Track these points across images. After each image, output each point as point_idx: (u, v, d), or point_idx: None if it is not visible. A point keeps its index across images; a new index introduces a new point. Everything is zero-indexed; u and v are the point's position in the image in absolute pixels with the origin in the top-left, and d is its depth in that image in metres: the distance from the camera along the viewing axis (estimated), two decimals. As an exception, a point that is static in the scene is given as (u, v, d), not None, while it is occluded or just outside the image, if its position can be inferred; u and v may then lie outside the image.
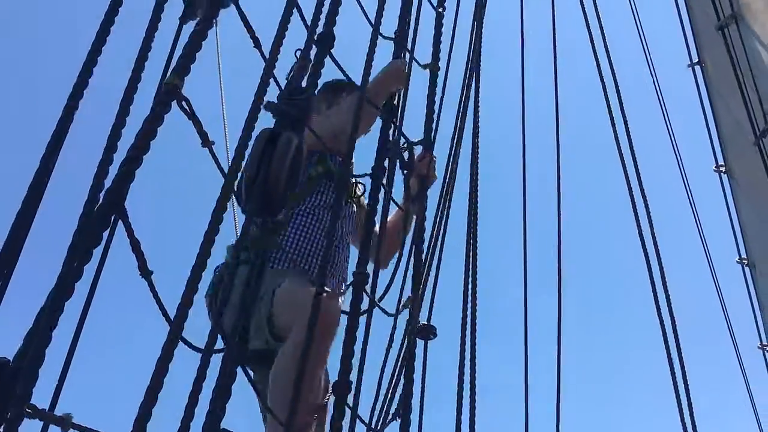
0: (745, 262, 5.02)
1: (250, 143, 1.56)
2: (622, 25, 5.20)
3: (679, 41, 4.93)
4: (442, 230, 2.54)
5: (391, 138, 2.72)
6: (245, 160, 1.55)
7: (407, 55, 2.96)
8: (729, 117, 4.88)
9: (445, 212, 2.78)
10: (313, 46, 2.20)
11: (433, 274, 2.59)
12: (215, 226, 1.33)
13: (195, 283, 1.26)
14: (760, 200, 4.83)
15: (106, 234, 1.32)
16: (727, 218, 4.90)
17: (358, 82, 2.26)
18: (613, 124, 3.99)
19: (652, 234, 3.87)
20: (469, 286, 2.48)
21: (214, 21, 1.92)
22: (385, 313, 2.49)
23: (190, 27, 2.32)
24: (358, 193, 2.98)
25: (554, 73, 4.21)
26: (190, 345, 1.38)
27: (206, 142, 1.74)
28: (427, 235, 2.59)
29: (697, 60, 4.87)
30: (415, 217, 2.61)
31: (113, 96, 1.87)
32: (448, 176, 2.91)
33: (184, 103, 1.67)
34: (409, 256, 2.49)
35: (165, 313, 1.35)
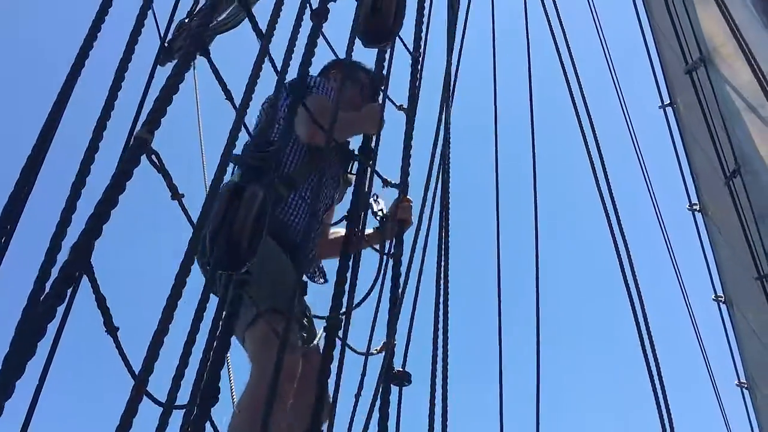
0: (722, 299, 5.07)
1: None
2: (595, 67, 5.32)
3: (653, 82, 5.04)
4: (418, 273, 2.56)
5: (367, 181, 2.78)
6: (211, 213, 1.56)
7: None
8: (702, 156, 4.97)
9: (422, 255, 2.80)
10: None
11: (408, 317, 2.60)
12: (181, 285, 1.34)
13: (157, 348, 1.26)
14: (734, 238, 4.89)
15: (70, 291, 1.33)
16: (701, 256, 4.96)
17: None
18: (593, 166, 4.03)
19: (633, 274, 3.89)
20: (440, 331, 2.50)
21: (191, 66, 1.96)
22: (355, 352, 2.51)
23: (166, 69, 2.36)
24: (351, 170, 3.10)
25: (530, 116, 4.27)
26: (153, 399, 1.38)
27: (176, 194, 1.76)
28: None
29: (668, 101, 4.97)
30: (391, 261, 2.65)
31: (82, 139, 1.86)
32: (424, 219, 2.93)
33: (153, 156, 1.70)
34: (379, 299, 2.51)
35: (131, 370, 1.36)
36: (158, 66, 2.43)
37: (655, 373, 3.51)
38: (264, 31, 2.17)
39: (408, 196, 2.87)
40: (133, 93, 2.05)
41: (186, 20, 4.85)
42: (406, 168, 2.90)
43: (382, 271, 2.48)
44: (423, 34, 3.04)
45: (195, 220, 1.72)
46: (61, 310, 1.31)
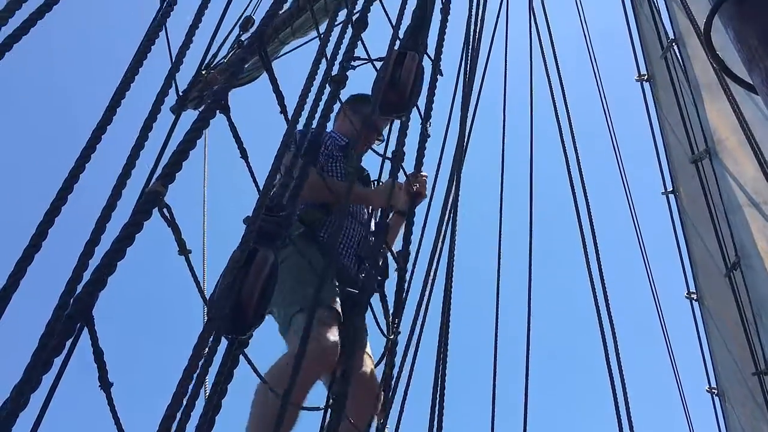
0: (715, 391, 5.01)
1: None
2: (601, 152, 5.39)
3: (657, 169, 5.11)
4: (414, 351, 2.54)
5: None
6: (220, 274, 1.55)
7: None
8: (702, 246, 4.98)
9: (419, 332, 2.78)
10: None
11: (402, 386, 2.57)
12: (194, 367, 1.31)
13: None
14: (730, 331, 4.86)
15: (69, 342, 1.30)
16: (697, 345, 4.94)
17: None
18: (585, 251, 4.04)
19: (619, 365, 3.85)
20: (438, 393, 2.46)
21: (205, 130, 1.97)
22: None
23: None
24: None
25: (530, 207, 4.28)
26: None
27: (183, 250, 1.74)
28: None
29: (671, 189, 5.01)
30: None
31: (102, 189, 1.86)
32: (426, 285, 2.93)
33: (165, 210, 1.69)
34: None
35: (120, 429, 1.32)
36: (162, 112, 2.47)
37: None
38: (283, 93, 2.22)
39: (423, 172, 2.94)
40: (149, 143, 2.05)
41: (203, 72, 4.91)
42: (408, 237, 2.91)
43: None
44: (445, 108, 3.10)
45: (200, 277, 1.71)
46: (59, 361, 1.29)
